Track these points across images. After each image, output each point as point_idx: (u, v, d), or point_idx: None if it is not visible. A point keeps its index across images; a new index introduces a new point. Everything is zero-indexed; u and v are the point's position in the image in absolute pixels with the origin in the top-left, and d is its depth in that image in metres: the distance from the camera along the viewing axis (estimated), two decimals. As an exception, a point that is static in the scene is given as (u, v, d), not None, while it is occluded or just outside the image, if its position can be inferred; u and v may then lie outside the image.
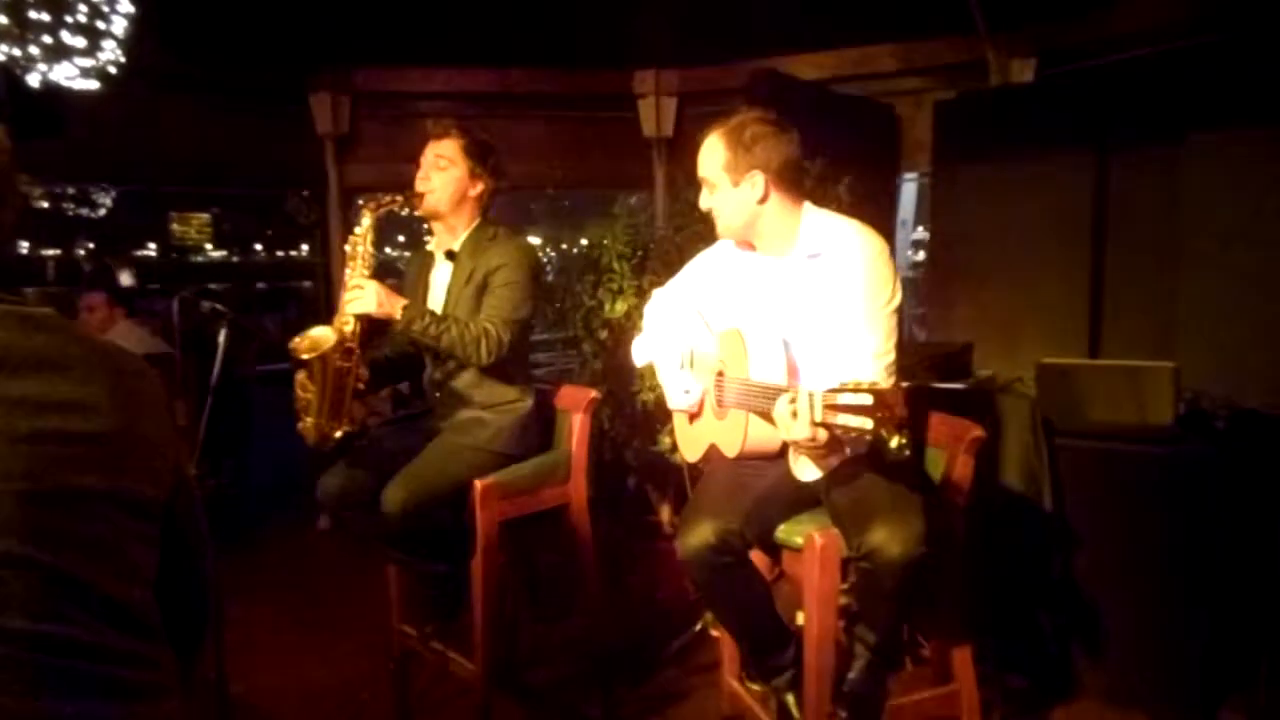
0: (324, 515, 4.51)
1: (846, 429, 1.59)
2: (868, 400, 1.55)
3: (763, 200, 2.08)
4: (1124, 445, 2.69)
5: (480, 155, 2.61)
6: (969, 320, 4.28)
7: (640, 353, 2.50)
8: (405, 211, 2.61)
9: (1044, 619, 2.82)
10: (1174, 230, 3.71)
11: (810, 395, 1.71)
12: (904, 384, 2.46)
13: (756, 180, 2.06)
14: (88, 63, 3.58)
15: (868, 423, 1.54)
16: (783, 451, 2.10)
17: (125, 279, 8.60)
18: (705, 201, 2.18)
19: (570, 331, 3.58)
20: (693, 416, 2.37)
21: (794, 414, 1.75)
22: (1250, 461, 2.61)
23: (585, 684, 2.88)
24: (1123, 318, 3.91)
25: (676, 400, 2.34)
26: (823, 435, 1.72)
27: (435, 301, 2.66)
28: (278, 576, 4.08)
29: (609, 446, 3.63)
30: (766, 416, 1.90)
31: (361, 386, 2.48)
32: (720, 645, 2.53)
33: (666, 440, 3.44)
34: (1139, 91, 3.86)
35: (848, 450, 1.84)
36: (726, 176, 2.09)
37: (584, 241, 3.73)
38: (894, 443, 1.55)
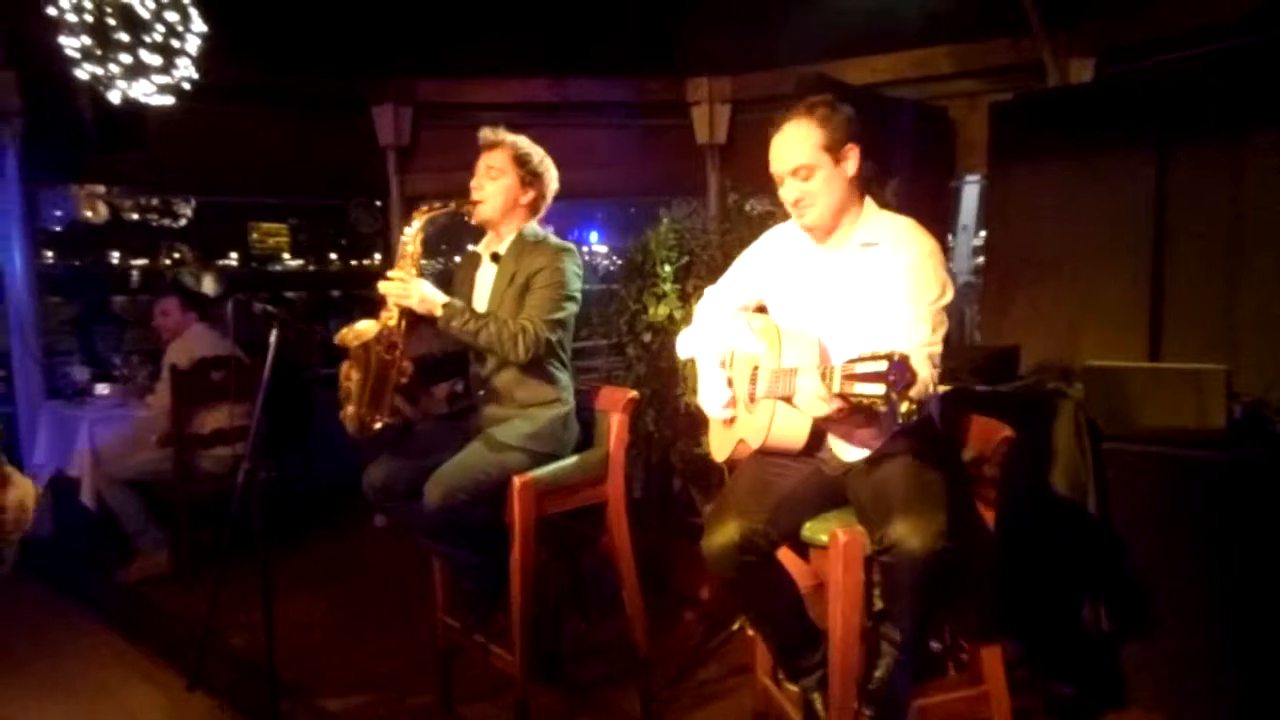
0: (380, 514, 4.66)
1: (862, 397, 1.61)
2: (881, 366, 1.57)
3: (854, 178, 2.10)
4: (1173, 450, 2.63)
5: (530, 164, 2.70)
6: (1027, 323, 4.20)
7: (683, 346, 2.54)
8: (464, 217, 2.71)
9: (1092, 624, 2.77)
10: (1237, 232, 3.58)
11: (829, 368, 1.73)
12: (944, 386, 2.46)
13: (854, 154, 2.08)
14: (164, 79, 3.77)
15: (880, 388, 1.57)
16: (808, 449, 2.12)
17: (209, 286, 8.94)
18: (796, 191, 2.10)
19: (615, 337, 3.63)
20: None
21: (814, 387, 1.79)
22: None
23: (624, 681, 2.92)
24: (1184, 321, 3.79)
25: (710, 405, 2.37)
26: (840, 406, 1.74)
27: (480, 301, 2.75)
28: (334, 570, 4.24)
29: (655, 448, 3.67)
30: (792, 401, 1.93)
31: (404, 380, 2.58)
32: (755, 644, 2.54)
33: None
34: (1200, 90, 3.74)
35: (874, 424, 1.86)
36: (827, 157, 2.07)
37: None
38: (904, 407, 1.57)
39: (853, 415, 1.80)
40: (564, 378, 2.73)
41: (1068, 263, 4.10)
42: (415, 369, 2.62)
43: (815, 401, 1.80)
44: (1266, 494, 2.49)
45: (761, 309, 2.40)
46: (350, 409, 2.53)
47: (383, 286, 2.53)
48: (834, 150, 2.07)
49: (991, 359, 3.23)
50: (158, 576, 4.07)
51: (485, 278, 2.76)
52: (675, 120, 5.73)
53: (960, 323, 5.65)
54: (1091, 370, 2.83)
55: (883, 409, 1.62)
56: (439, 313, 2.53)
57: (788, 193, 2.14)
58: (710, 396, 2.36)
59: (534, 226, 2.75)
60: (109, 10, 3.53)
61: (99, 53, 3.61)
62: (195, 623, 3.09)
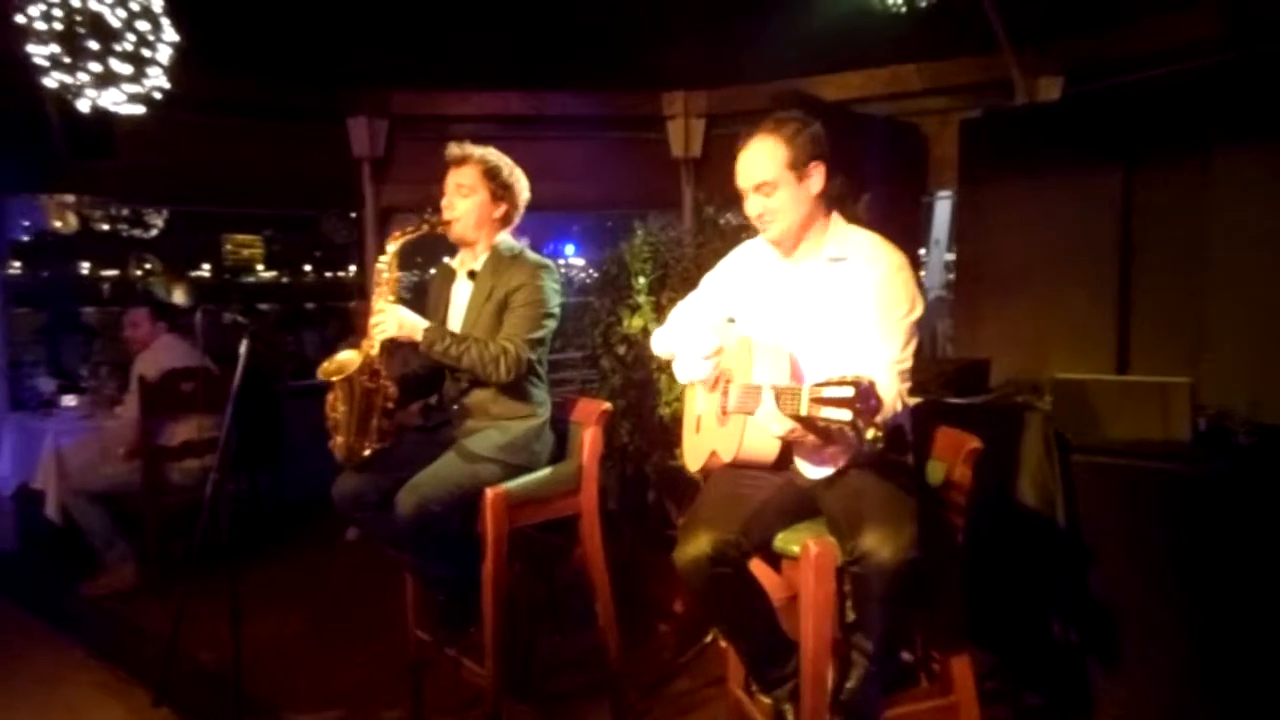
0: (352, 527, 4.63)
1: (830, 422, 1.63)
2: (849, 393, 1.59)
3: (819, 194, 2.11)
4: (1139, 461, 2.66)
5: (500, 177, 2.69)
6: (997, 337, 4.25)
7: (659, 343, 2.51)
8: (438, 232, 2.69)
9: (1060, 635, 2.79)
10: (1201, 247, 3.65)
11: (795, 389, 1.75)
12: (914, 399, 2.48)
13: (819, 172, 2.09)
14: (134, 89, 3.73)
15: (846, 414, 1.58)
16: (780, 462, 2.13)
17: (179, 297, 8.88)
18: (759, 206, 2.13)
19: (590, 349, 3.63)
20: (699, 425, 2.41)
21: (777, 403, 1.80)
22: (1269, 479, 2.57)
23: (597, 693, 2.91)
24: (1151, 334, 3.85)
25: (693, 369, 2.28)
26: (801, 431, 1.76)
27: (456, 318, 2.73)
28: (304, 584, 4.20)
29: (630, 460, 3.67)
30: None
31: (390, 405, 2.58)
32: (728, 656, 2.54)
33: (684, 454, 3.48)
34: (1165, 108, 3.82)
35: (839, 444, 1.88)
36: (791, 174, 2.08)
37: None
38: (870, 434, 1.59)
39: (818, 435, 1.82)
40: (540, 393, 2.72)
41: (1037, 277, 4.16)
42: (399, 390, 2.61)
43: (778, 418, 1.82)
44: (1230, 505, 2.54)
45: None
46: (339, 439, 2.53)
47: (371, 327, 2.52)
48: (798, 168, 2.09)
49: (962, 372, 3.26)
50: (124, 591, 4.01)
51: (461, 294, 2.75)
52: (650, 134, 5.77)
53: (932, 336, 5.70)
54: (1060, 383, 2.87)
55: (849, 434, 1.63)
56: (420, 338, 2.53)
57: (751, 207, 2.16)
58: (693, 362, 2.28)
59: (509, 240, 2.74)
60: (79, 19, 3.49)
61: (68, 61, 3.57)
62: (162, 638, 3.05)
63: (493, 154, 2.71)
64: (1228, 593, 2.52)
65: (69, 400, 4.60)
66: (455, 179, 2.67)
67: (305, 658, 3.38)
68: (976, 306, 4.45)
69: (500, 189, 2.68)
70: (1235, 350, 3.48)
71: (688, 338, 2.32)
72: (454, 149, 2.69)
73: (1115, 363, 3.92)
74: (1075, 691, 2.76)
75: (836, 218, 2.20)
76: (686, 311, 2.46)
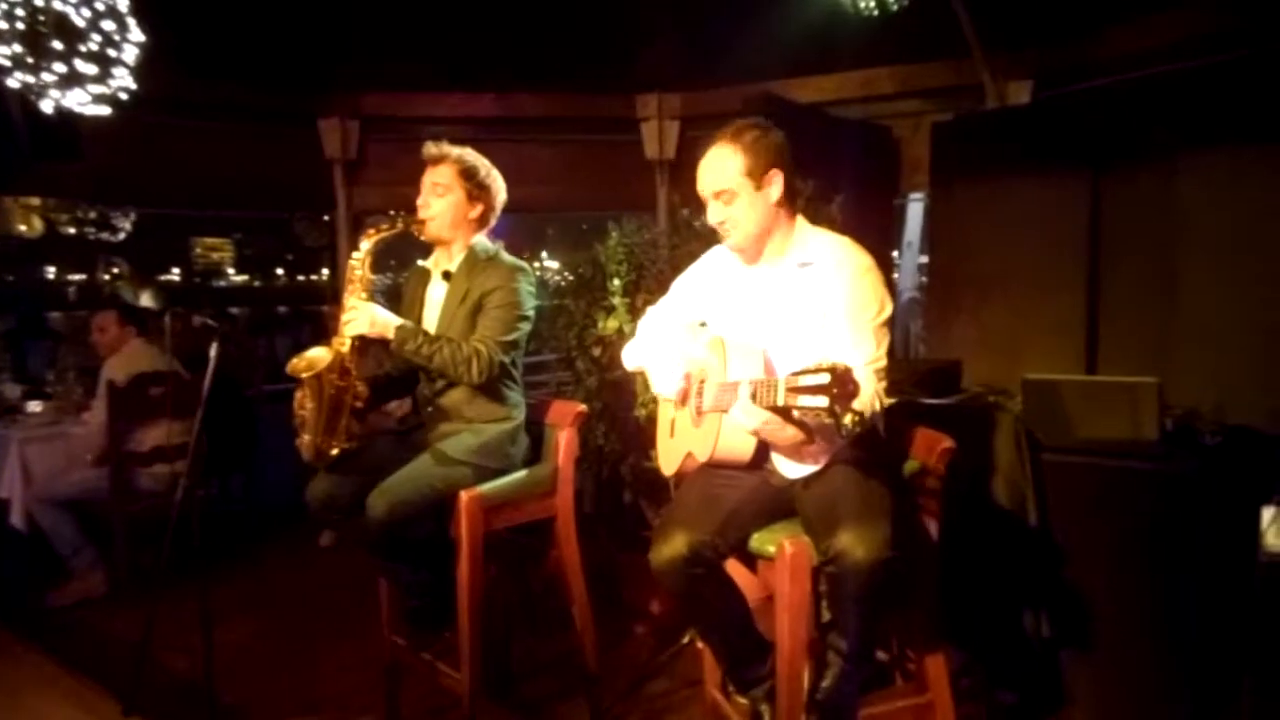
0: (326, 532, 4.59)
1: (806, 410, 1.63)
2: (824, 379, 1.59)
3: (779, 201, 2.11)
4: (1107, 460, 2.70)
5: (477, 178, 2.68)
6: (968, 338, 4.29)
7: (630, 357, 2.51)
8: (412, 231, 2.67)
9: (1032, 633, 2.82)
10: (1169, 248, 3.71)
11: (772, 381, 1.75)
12: (890, 399, 2.49)
13: (778, 179, 2.09)
14: (99, 89, 3.69)
15: (823, 400, 1.58)
16: (756, 461, 2.14)
17: (146, 300, 8.76)
18: (720, 214, 2.13)
19: (564, 351, 3.63)
20: (673, 428, 2.41)
21: (753, 397, 1.81)
22: (1234, 477, 2.61)
23: (574, 696, 2.90)
24: (1120, 335, 3.91)
25: (664, 384, 2.31)
26: (778, 423, 1.77)
27: (430, 319, 2.71)
28: (277, 590, 4.15)
29: (605, 462, 3.66)
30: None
31: (360, 405, 2.56)
32: (705, 657, 2.54)
33: (660, 456, 3.47)
34: (1133, 113, 3.88)
35: (819, 441, 1.89)
36: (749, 182, 2.08)
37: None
38: (847, 419, 1.59)
39: (795, 426, 1.82)
40: (514, 395, 2.71)
41: (1008, 278, 4.21)
42: (370, 390, 2.59)
43: (752, 410, 1.82)
44: (1197, 503, 2.57)
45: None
46: (306, 437, 2.50)
47: (342, 324, 2.50)
48: (755, 176, 2.09)
49: (934, 373, 3.28)
50: (93, 599, 3.94)
51: (436, 295, 2.73)
52: (624, 136, 5.78)
53: (905, 337, 5.74)
54: (1030, 383, 2.90)
55: (827, 421, 1.63)
56: (391, 335, 2.51)
57: (712, 215, 2.16)
58: (665, 380, 2.32)
59: (484, 241, 2.73)
60: (42, 18, 3.44)
61: (31, 61, 3.52)
62: (132, 646, 3.00)
63: (470, 154, 2.69)
64: (1196, 588, 2.56)
65: (34, 406, 4.52)
66: (431, 178, 2.65)
67: (278, 664, 3.34)
68: (948, 308, 4.49)
69: (476, 189, 2.67)
70: (1202, 351, 3.53)
71: (658, 353, 2.33)
72: (431, 148, 2.68)
73: (1084, 363, 3.98)
74: (1048, 688, 2.79)
75: (802, 221, 2.20)
76: (656, 321, 2.45)
